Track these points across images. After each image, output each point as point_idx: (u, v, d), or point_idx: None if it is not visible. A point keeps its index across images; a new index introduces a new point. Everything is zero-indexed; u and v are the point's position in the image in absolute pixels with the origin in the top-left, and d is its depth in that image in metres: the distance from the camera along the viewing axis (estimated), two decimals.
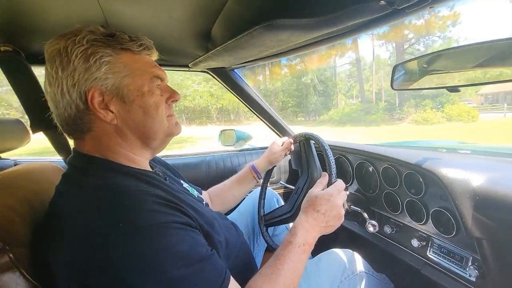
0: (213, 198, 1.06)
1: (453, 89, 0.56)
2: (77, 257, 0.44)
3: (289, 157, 1.57)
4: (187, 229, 0.50)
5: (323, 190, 0.74)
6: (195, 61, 0.95)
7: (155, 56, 0.63)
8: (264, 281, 0.56)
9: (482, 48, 0.51)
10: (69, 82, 0.51)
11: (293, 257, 0.60)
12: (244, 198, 1.18)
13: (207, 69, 1.14)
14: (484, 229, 0.65)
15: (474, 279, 0.74)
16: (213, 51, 0.84)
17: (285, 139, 1.08)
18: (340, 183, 0.75)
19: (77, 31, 0.53)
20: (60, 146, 0.99)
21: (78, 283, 0.44)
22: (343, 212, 0.70)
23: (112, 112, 0.54)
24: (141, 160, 0.62)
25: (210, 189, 1.09)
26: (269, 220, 1.02)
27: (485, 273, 0.71)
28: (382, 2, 0.51)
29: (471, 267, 0.75)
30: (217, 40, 0.87)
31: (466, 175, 0.68)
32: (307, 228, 0.65)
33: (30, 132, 0.89)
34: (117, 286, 0.43)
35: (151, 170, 0.66)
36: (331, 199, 0.69)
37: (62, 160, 1.02)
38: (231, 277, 0.52)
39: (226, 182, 1.09)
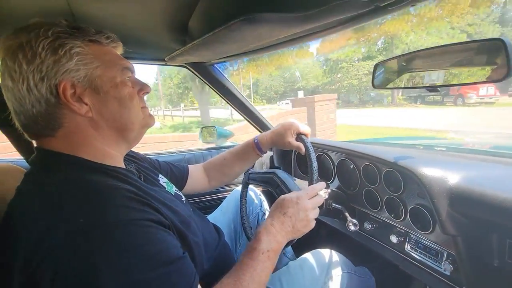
0: (212, 173, 1.03)
1: (433, 89, 0.57)
2: (34, 257, 0.40)
3: (270, 153, 1.55)
4: (158, 228, 0.48)
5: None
6: (172, 55, 0.90)
7: (120, 50, 0.64)
8: None
9: (459, 48, 0.52)
10: (37, 76, 0.49)
11: (256, 265, 0.57)
12: (226, 196, 1.16)
13: (186, 63, 1.09)
14: (459, 227, 0.67)
15: (448, 273, 0.76)
16: (190, 45, 0.79)
17: (306, 129, 0.94)
18: (315, 187, 0.73)
19: (38, 24, 0.51)
20: (21, 144, 0.91)
21: (31, 284, 0.40)
22: (312, 215, 0.67)
23: (86, 104, 0.53)
24: (115, 155, 0.59)
25: (207, 163, 1.05)
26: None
27: (459, 268, 0.73)
28: None
29: (446, 262, 0.77)
30: (194, 34, 0.82)
31: (444, 174, 0.69)
32: (272, 233, 0.62)
33: None
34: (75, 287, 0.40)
35: (124, 167, 0.62)
36: (299, 202, 0.67)
37: (24, 160, 0.93)
38: (199, 283, 0.50)
39: (226, 156, 1.03)
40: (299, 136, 0.92)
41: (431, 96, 18.18)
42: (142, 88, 0.63)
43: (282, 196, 0.70)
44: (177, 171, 0.95)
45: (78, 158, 0.53)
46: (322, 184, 0.78)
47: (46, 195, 0.46)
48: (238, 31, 0.64)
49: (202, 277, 0.58)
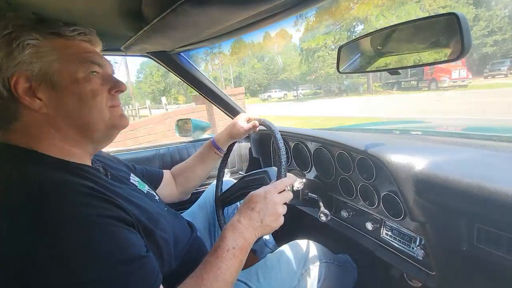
0: (176, 178, 1.01)
1: (394, 72, 0.53)
2: None
3: (249, 144, 1.52)
4: (117, 225, 0.46)
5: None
6: (127, 43, 0.83)
7: (98, 45, 0.62)
8: None
9: (416, 26, 0.48)
10: None
11: (221, 263, 0.54)
12: (204, 190, 1.13)
13: (147, 53, 1.02)
14: (427, 213, 0.66)
15: (421, 258, 0.76)
16: (143, 31, 0.73)
17: (254, 116, 1.00)
18: (284, 181, 0.70)
19: (2, 17, 0.50)
20: None
21: None
22: (282, 210, 0.65)
23: (41, 100, 0.51)
24: (79, 153, 0.56)
25: (173, 168, 1.03)
26: (226, 198, 0.97)
27: (429, 252, 0.73)
28: None
29: (418, 247, 0.77)
30: (148, 19, 0.76)
31: (410, 160, 0.67)
32: (239, 229, 0.60)
33: None
34: (23, 285, 0.39)
35: (89, 165, 0.59)
36: (267, 196, 0.64)
37: None
38: (160, 286, 0.48)
39: (188, 160, 1.03)
40: (261, 121, 0.90)
41: (406, 82, 18.39)
42: (115, 85, 0.59)
43: (251, 192, 0.67)
44: (149, 175, 0.92)
45: (36, 152, 0.51)
46: (292, 177, 0.76)
47: None
48: (185, 15, 0.58)
49: (170, 274, 0.57)
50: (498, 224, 0.56)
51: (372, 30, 0.56)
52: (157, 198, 0.75)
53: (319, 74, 24.70)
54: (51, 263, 0.39)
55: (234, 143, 1.03)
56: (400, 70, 0.58)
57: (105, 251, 0.42)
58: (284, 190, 0.69)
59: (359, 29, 21.79)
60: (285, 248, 0.87)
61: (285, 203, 0.68)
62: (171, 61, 1.11)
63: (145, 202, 0.61)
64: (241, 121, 0.99)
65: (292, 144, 1.23)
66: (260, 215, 0.62)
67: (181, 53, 1.11)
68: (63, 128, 0.53)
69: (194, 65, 1.18)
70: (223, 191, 1.00)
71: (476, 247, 0.62)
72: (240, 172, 1.49)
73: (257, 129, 0.99)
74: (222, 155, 1.01)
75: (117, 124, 0.59)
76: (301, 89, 27.35)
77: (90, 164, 0.61)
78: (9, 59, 0.49)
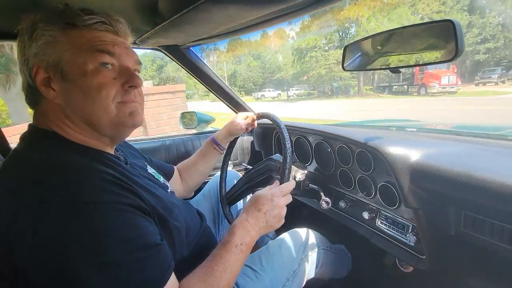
0: (182, 174, 1.05)
1: (395, 70, 0.59)
2: (8, 233, 0.42)
3: (251, 138, 1.57)
4: (136, 213, 0.48)
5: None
6: (142, 37, 0.87)
7: (124, 35, 0.59)
8: (197, 281, 0.54)
9: (414, 30, 0.53)
10: (22, 58, 0.53)
11: (229, 257, 0.58)
12: (208, 180, 1.18)
13: (159, 46, 1.06)
14: (420, 200, 0.72)
15: (413, 244, 0.82)
16: (160, 26, 0.77)
17: (250, 114, 1.07)
18: (288, 185, 0.75)
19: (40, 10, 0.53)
20: None
21: (4, 262, 0.42)
22: (284, 213, 0.70)
23: (54, 90, 0.52)
24: (97, 144, 0.57)
25: (178, 165, 1.08)
26: (231, 197, 1.02)
27: (420, 238, 0.79)
28: None
29: (410, 233, 0.83)
30: (164, 15, 0.80)
31: (406, 152, 0.73)
32: (246, 227, 0.64)
33: None
34: (46, 265, 0.41)
35: (110, 153, 0.60)
36: (274, 199, 0.69)
37: None
38: (172, 273, 0.50)
39: (192, 157, 1.08)
40: (268, 115, 0.94)
41: (397, 86, 18.47)
42: (129, 80, 0.55)
43: (257, 193, 0.72)
44: (163, 168, 0.96)
45: (59, 135, 0.53)
46: (293, 183, 0.80)
47: (26, 171, 0.47)
48: (206, 11, 0.62)
49: (181, 262, 0.61)
50: (482, 210, 0.62)
51: (373, 33, 0.62)
52: (170, 189, 0.78)
53: (311, 75, 24.49)
54: (69, 246, 0.40)
55: (236, 139, 1.09)
56: (393, 74, 0.64)
57: (124, 236, 0.44)
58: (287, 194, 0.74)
59: (352, 31, 21.84)
60: (286, 235, 0.92)
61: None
62: (181, 55, 1.15)
63: (160, 192, 0.64)
64: (239, 119, 1.05)
65: (294, 138, 1.29)
66: (266, 216, 0.67)
67: (191, 48, 1.15)
68: (75, 120, 0.54)
69: (203, 60, 1.23)
70: (227, 188, 1.05)
71: (463, 232, 0.68)
72: (243, 163, 1.54)
73: (256, 123, 1.07)
74: (222, 151, 1.06)
75: (124, 122, 0.56)
76: (296, 90, 27.17)
77: (113, 153, 0.62)
78: (30, 50, 0.52)
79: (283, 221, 0.71)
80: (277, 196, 0.70)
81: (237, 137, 1.10)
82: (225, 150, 1.07)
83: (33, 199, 0.43)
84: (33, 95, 0.55)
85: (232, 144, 1.09)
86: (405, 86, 18.49)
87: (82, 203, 0.43)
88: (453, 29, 0.44)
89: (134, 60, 0.59)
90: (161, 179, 0.78)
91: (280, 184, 0.76)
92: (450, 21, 0.45)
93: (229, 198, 1.02)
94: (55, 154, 0.50)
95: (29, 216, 0.42)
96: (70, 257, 0.40)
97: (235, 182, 1.09)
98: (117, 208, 0.45)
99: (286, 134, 0.81)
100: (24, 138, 0.55)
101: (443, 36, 0.48)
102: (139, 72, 0.62)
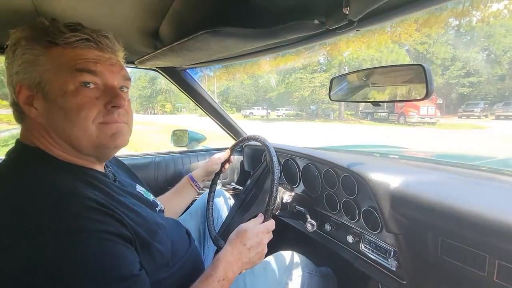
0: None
1: (376, 103, 0.65)
2: None
3: (241, 158, 1.59)
4: (115, 241, 0.46)
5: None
6: (142, 58, 0.91)
7: (111, 51, 0.56)
8: None
9: (392, 70, 0.60)
10: (7, 74, 0.54)
11: None
12: (197, 198, 1.17)
13: (157, 67, 1.10)
14: (400, 225, 0.75)
15: (394, 269, 0.85)
16: (159, 51, 0.82)
17: (224, 152, 1.12)
18: (271, 223, 0.77)
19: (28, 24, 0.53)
20: None
21: None
22: (265, 251, 0.72)
23: (36, 109, 0.52)
24: (83, 162, 0.56)
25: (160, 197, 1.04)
26: (222, 234, 1.00)
27: (401, 263, 0.82)
28: (316, 22, 0.56)
29: (392, 258, 0.85)
30: (164, 40, 0.85)
31: (387, 178, 0.78)
32: (230, 261, 0.64)
33: None
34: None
35: (98, 170, 0.59)
36: (259, 235, 0.70)
37: None
38: None
39: (166, 193, 1.05)
40: (257, 138, 0.96)
41: (379, 113, 19.08)
42: (111, 100, 0.53)
43: (243, 226, 0.72)
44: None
45: (44, 152, 0.53)
46: (273, 222, 0.80)
47: (2, 194, 0.46)
48: (204, 41, 0.67)
49: (166, 284, 0.59)
50: (456, 236, 0.66)
51: (355, 69, 0.69)
52: (159, 208, 0.76)
53: (295, 96, 24.77)
54: (44, 272, 0.39)
55: (217, 178, 1.11)
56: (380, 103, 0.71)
57: (100, 267, 0.42)
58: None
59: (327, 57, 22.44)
60: (271, 258, 0.93)
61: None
62: (177, 76, 1.20)
63: (146, 212, 0.62)
64: (215, 157, 1.09)
65: (282, 160, 1.33)
66: (250, 253, 0.68)
67: (187, 70, 1.21)
68: (57, 140, 0.53)
69: (198, 82, 1.28)
70: (216, 229, 1.03)
71: (441, 258, 0.71)
72: (232, 183, 1.55)
73: (231, 158, 1.12)
74: (198, 190, 1.07)
75: (105, 144, 0.54)
76: (285, 110, 27.65)
77: (102, 169, 0.61)
78: (12, 69, 0.52)
79: (263, 257, 0.72)
80: (262, 233, 0.71)
81: (218, 173, 1.11)
82: (200, 190, 1.08)
83: (8, 226, 0.41)
84: (17, 112, 0.55)
85: (215, 181, 1.11)
86: (384, 114, 18.94)
87: (59, 231, 0.41)
88: (424, 72, 0.51)
89: (122, 76, 0.57)
90: (151, 197, 0.77)
91: (265, 217, 0.76)
92: (421, 65, 0.52)
93: (222, 234, 0.99)
94: (38, 174, 0.49)
95: (4, 241, 0.40)
96: (42, 286, 0.39)
97: (222, 202, 1.10)
98: (97, 237, 0.44)
99: (273, 152, 0.82)
100: (9, 153, 0.54)
101: (417, 77, 0.55)
102: (127, 88, 0.60)
